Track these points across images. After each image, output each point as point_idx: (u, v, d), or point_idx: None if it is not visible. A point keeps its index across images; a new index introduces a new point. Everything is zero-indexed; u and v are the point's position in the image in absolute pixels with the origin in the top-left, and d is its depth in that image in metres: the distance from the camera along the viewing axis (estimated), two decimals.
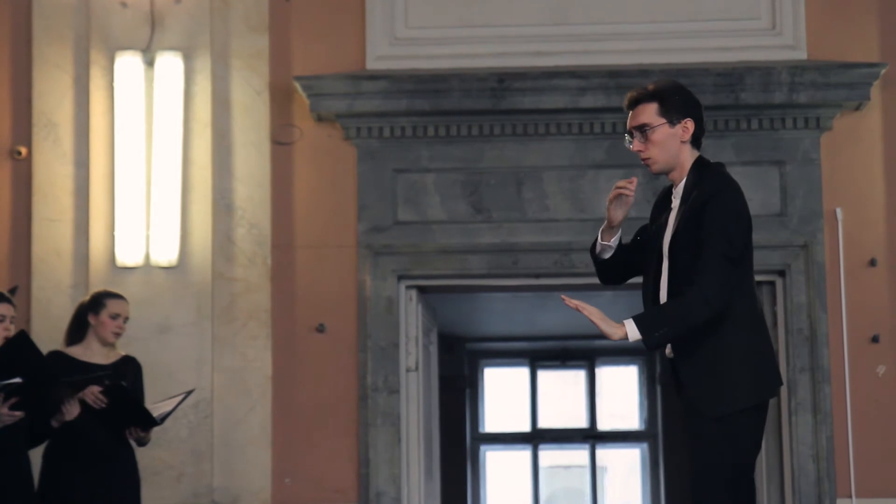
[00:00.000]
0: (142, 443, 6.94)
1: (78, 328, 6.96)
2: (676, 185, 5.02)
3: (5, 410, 6.29)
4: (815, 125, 8.58)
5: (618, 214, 5.07)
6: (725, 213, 4.83)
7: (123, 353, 7.05)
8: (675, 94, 4.95)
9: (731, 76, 8.41)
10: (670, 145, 4.94)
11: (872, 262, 8.52)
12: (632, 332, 4.79)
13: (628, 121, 5.03)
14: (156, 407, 6.86)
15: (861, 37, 8.66)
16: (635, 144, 4.97)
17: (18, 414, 6.32)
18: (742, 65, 8.54)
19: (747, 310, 4.88)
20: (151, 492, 8.21)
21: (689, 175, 4.97)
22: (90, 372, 6.73)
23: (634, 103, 4.97)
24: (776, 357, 5.00)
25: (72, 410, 6.63)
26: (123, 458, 6.92)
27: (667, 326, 4.78)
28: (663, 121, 4.93)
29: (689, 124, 4.95)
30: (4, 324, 6.56)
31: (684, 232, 4.89)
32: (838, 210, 8.55)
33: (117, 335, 6.96)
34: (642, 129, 4.95)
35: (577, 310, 4.85)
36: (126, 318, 7.00)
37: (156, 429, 8.17)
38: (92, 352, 6.89)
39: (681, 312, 4.77)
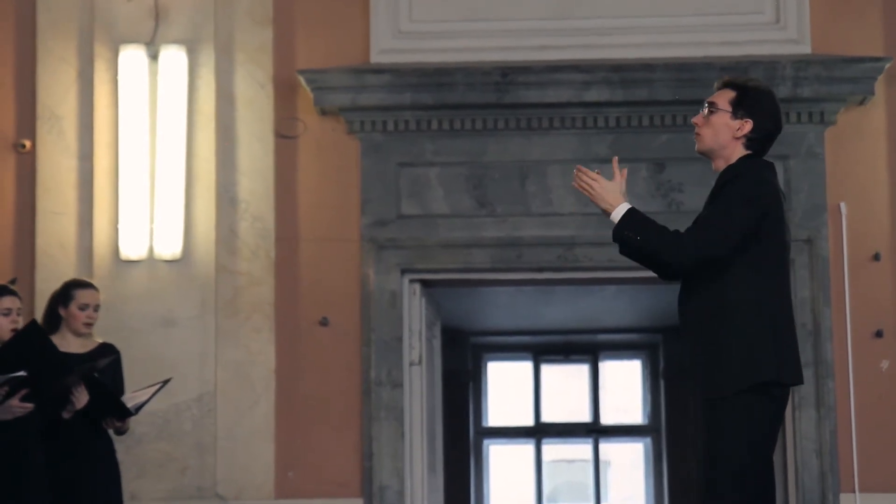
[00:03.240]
0: (120, 432, 6.90)
1: (51, 320, 6.92)
2: None
3: (16, 402, 6.29)
4: (819, 119, 8.57)
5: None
6: (735, 194, 4.90)
7: (101, 341, 7.00)
8: (756, 95, 5.05)
9: (735, 70, 8.39)
10: (722, 134, 5.03)
11: (876, 257, 8.52)
12: (615, 215, 4.91)
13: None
14: (132, 396, 6.83)
15: (865, 31, 8.65)
16: (698, 116, 5.08)
17: (29, 406, 6.31)
18: (746, 59, 8.54)
19: (752, 298, 4.88)
20: (155, 484, 8.22)
21: None
22: (68, 362, 6.68)
23: (723, 85, 5.09)
24: (789, 349, 4.95)
25: (81, 399, 6.63)
26: (102, 449, 6.89)
27: (639, 236, 4.88)
28: (729, 109, 5.02)
29: (748, 126, 5.02)
30: (11, 316, 6.55)
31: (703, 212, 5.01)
32: (842, 204, 8.54)
33: (88, 325, 6.89)
34: (710, 107, 5.05)
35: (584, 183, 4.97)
36: (97, 307, 6.93)
37: (159, 422, 8.21)
38: (67, 342, 6.84)
39: (657, 237, 4.87)
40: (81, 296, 6.90)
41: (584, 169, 5.03)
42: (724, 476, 4.82)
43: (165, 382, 6.92)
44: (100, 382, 6.65)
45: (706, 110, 5.05)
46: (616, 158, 5.15)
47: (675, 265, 4.91)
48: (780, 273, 4.98)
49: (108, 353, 6.89)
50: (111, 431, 6.88)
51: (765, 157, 5.09)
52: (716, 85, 5.13)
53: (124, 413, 6.73)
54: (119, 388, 6.94)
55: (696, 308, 4.96)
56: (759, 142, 5.05)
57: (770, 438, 4.92)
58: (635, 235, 4.90)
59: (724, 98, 5.05)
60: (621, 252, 4.99)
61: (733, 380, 4.84)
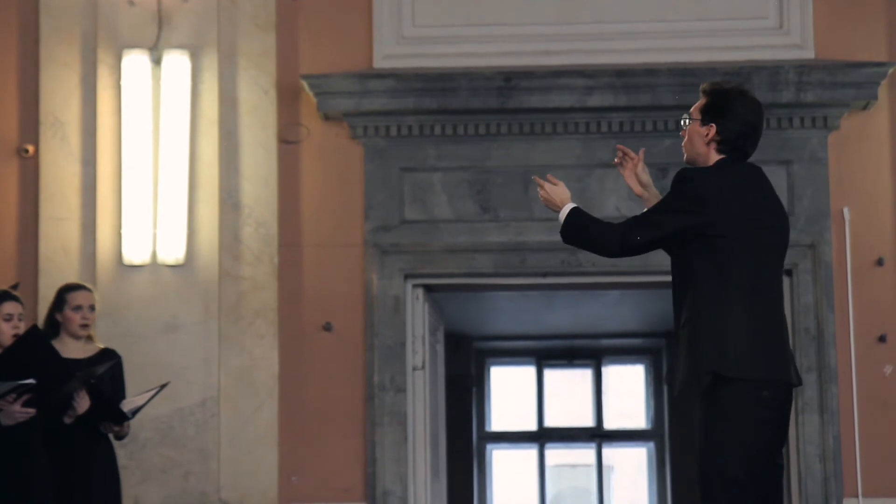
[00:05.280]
0: (119, 437, 6.90)
1: (49, 327, 6.92)
2: None
3: (18, 408, 6.29)
4: (823, 124, 8.57)
5: (633, 185, 5.37)
6: (672, 196, 5.02)
7: (102, 346, 7.00)
8: (721, 97, 5.12)
9: (739, 75, 8.40)
10: (696, 141, 5.13)
11: (880, 262, 8.52)
12: (561, 215, 5.16)
13: None
14: (129, 401, 6.83)
15: (868, 36, 8.65)
16: (683, 129, 5.20)
17: (31, 411, 6.31)
18: (749, 64, 8.54)
19: (713, 299, 4.94)
20: (159, 490, 8.22)
21: None
22: (69, 368, 6.68)
23: (701, 92, 5.19)
24: (755, 347, 4.94)
25: (83, 404, 6.63)
26: (102, 454, 6.89)
27: (579, 231, 5.13)
28: (699, 117, 5.12)
29: (712, 129, 5.08)
30: (13, 322, 6.55)
31: None
32: (845, 210, 8.54)
33: (85, 327, 6.88)
34: (687, 118, 5.17)
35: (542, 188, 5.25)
36: (92, 307, 6.91)
37: (162, 427, 8.21)
38: (68, 347, 6.83)
39: (595, 229, 5.10)
40: (74, 298, 6.90)
41: (538, 179, 5.29)
42: (716, 481, 4.85)
43: (163, 387, 6.91)
44: (95, 387, 6.64)
45: (683, 122, 5.17)
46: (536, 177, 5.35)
47: (606, 252, 5.12)
48: (753, 273, 4.98)
49: (109, 359, 6.89)
50: (111, 436, 6.88)
51: (759, 164, 5.12)
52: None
53: (121, 417, 6.73)
54: (119, 392, 6.93)
55: (676, 316, 5.05)
56: (728, 143, 5.10)
57: (765, 443, 4.90)
58: (574, 235, 5.14)
59: (696, 107, 5.15)
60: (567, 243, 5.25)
61: (688, 377, 4.92)
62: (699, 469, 4.92)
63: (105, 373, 6.80)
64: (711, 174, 5.03)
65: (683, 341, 4.98)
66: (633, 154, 5.38)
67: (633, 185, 5.35)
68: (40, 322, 7.03)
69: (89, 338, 6.96)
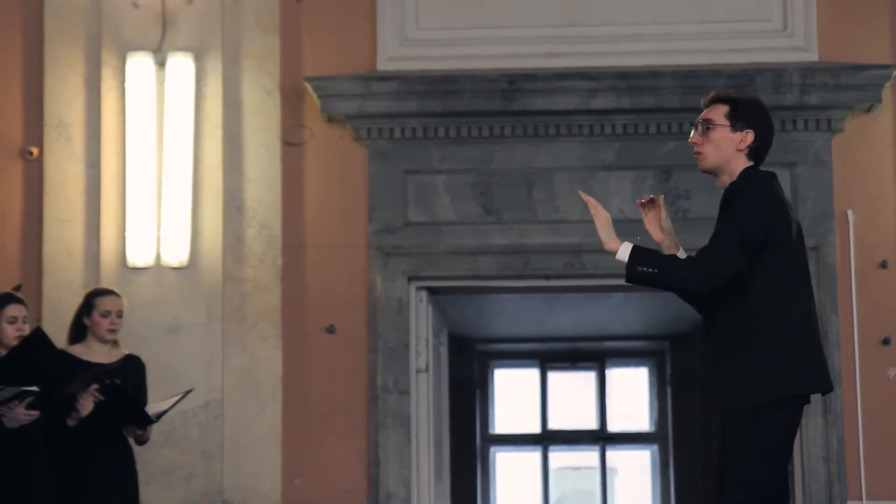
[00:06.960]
0: (141, 441, 6.89)
1: (76, 330, 6.94)
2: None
3: (22, 410, 6.30)
4: (827, 127, 8.57)
5: (654, 231, 5.16)
6: (742, 210, 4.88)
7: (126, 352, 7.01)
8: (750, 105, 5.04)
9: (743, 78, 8.40)
10: (725, 148, 5.02)
11: (883, 265, 8.51)
12: (622, 254, 4.92)
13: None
14: (153, 406, 6.84)
15: (872, 38, 8.65)
16: (694, 136, 5.06)
17: (35, 413, 6.32)
18: (753, 66, 8.54)
19: (770, 310, 4.88)
20: (162, 492, 8.22)
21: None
22: (74, 369, 6.69)
23: (711, 101, 5.08)
24: (811, 358, 4.91)
25: (86, 406, 6.63)
26: (121, 456, 6.89)
27: (655, 269, 4.89)
28: (727, 123, 5.01)
29: (750, 136, 5.00)
30: (17, 324, 6.57)
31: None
32: (849, 212, 8.54)
33: (113, 332, 6.90)
34: (706, 124, 5.03)
35: (589, 207, 5.01)
36: (120, 313, 6.93)
37: (166, 429, 8.20)
38: (93, 351, 6.86)
39: (673, 266, 4.88)
40: (102, 303, 6.92)
41: (589, 199, 5.09)
42: (739, 487, 4.83)
43: (187, 393, 6.94)
44: (121, 389, 6.65)
45: (701, 128, 5.04)
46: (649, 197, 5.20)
47: (696, 290, 4.93)
48: (798, 281, 4.96)
49: (131, 365, 6.90)
50: (131, 440, 6.89)
51: (764, 167, 5.09)
52: (703, 102, 5.11)
53: (145, 421, 6.74)
54: (142, 397, 6.94)
55: (718, 323, 4.97)
56: (760, 151, 5.05)
57: (787, 450, 4.92)
58: (652, 269, 4.90)
59: (718, 113, 5.03)
60: (629, 282, 4.97)
61: (753, 394, 4.84)
62: (722, 471, 4.89)
63: (127, 377, 6.81)
64: (762, 183, 4.95)
65: (736, 354, 4.89)
66: (657, 199, 5.15)
67: (654, 231, 5.14)
68: (66, 325, 7.03)
69: (115, 343, 6.97)
